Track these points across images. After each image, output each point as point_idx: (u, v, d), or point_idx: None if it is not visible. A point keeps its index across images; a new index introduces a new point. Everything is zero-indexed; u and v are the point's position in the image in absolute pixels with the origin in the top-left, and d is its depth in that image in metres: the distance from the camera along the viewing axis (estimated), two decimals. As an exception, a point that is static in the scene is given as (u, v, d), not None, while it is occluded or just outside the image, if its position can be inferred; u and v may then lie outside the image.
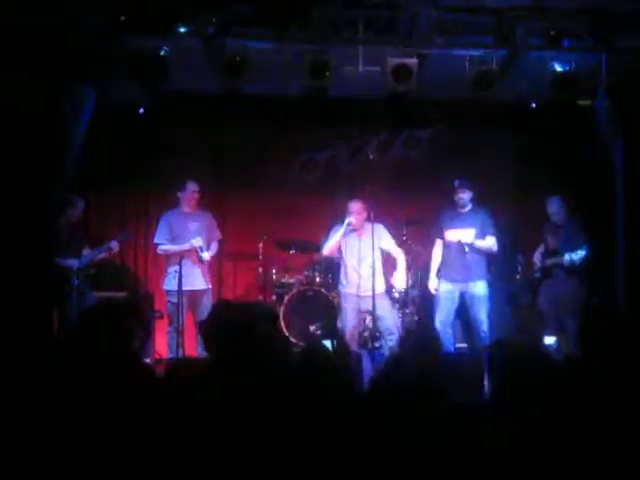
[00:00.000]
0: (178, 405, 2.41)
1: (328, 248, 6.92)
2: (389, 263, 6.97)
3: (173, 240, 7.08)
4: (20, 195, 5.92)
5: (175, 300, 6.87)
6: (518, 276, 6.94)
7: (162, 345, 7.53)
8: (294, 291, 7.59)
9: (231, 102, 7.59)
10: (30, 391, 2.36)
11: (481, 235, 6.84)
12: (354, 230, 6.81)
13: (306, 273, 7.81)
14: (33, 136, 5.91)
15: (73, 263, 6.87)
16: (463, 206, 6.95)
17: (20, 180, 5.90)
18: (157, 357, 7.68)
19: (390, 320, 6.77)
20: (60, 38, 5.65)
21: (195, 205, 7.25)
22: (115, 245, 7.11)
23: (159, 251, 7.14)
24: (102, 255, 7.18)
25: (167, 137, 8.18)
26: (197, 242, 7.05)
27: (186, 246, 7.03)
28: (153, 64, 6.04)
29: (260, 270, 7.78)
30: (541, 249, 6.95)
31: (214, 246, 7.33)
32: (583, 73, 6.23)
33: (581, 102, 6.71)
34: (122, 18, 5.58)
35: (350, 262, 6.86)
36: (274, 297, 7.79)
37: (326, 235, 7.02)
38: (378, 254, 6.77)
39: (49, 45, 5.69)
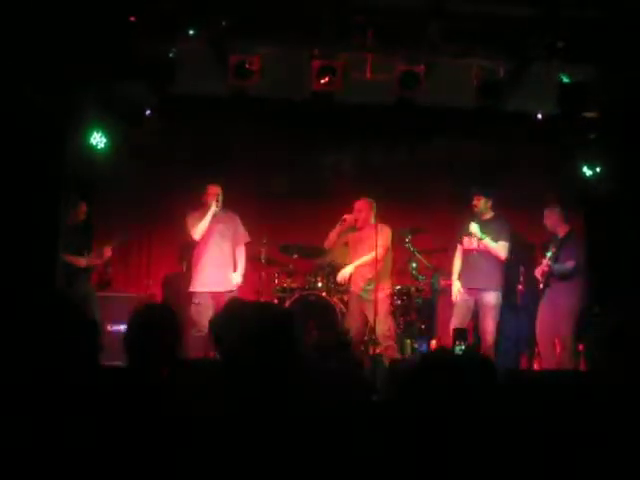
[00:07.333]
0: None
1: (327, 241, 7.02)
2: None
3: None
4: (25, 193, 5.92)
5: (200, 302, 6.79)
6: (520, 286, 6.91)
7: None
8: (296, 296, 7.55)
9: (237, 105, 7.60)
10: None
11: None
12: (356, 228, 6.83)
13: (308, 278, 7.79)
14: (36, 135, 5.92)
15: (79, 262, 6.86)
16: (478, 213, 6.91)
17: (24, 178, 5.90)
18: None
19: (383, 327, 6.64)
20: (70, 39, 5.65)
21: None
22: (108, 252, 7.09)
23: (196, 236, 6.88)
24: (96, 261, 7.15)
25: (171, 139, 8.17)
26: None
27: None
28: (161, 66, 6.06)
29: (263, 274, 7.74)
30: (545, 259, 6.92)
31: (241, 253, 7.16)
32: (590, 85, 6.24)
33: (588, 114, 6.70)
34: (132, 20, 5.57)
35: (351, 261, 6.91)
36: (276, 301, 7.76)
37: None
38: (380, 255, 6.62)
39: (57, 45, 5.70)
